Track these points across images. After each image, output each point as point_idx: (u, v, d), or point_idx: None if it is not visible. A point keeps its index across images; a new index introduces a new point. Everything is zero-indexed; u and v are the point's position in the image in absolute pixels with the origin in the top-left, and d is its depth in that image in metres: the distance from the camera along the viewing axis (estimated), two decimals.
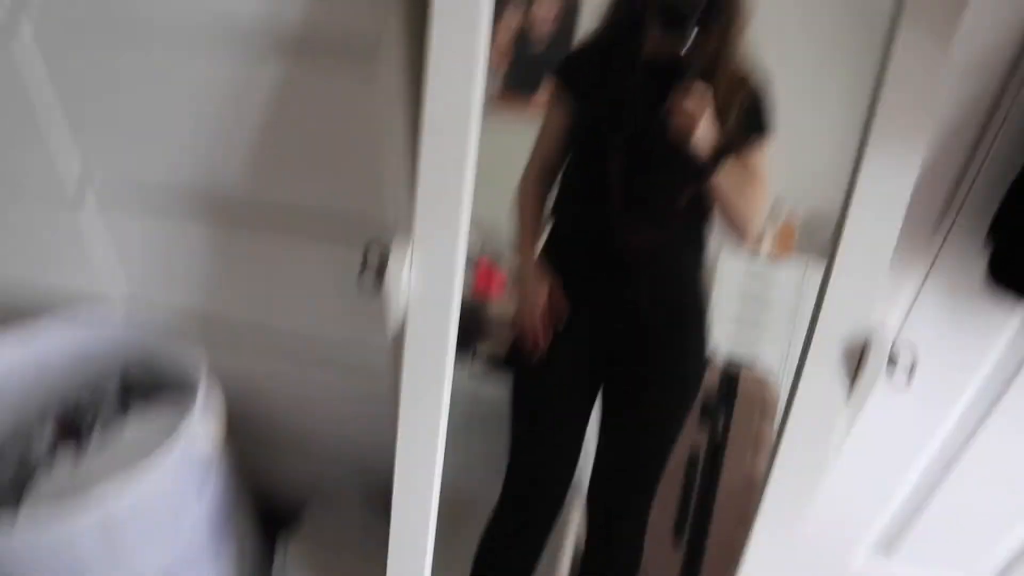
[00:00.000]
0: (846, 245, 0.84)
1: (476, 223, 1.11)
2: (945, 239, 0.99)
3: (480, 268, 1.12)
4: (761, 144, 0.92)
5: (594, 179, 0.98)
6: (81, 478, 1.13)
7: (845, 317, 0.85)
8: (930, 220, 0.97)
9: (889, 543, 1.37)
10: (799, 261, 0.98)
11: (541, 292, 1.03)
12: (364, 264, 0.91)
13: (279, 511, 1.45)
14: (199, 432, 1.08)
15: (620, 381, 1.06)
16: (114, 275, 1.28)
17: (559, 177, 1.01)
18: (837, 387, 0.87)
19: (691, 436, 1.17)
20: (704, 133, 0.89)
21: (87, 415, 1.25)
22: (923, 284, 1.02)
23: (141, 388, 1.27)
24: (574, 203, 1.02)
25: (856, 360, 0.85)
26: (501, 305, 1.16)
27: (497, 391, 1.15)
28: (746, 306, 1.04)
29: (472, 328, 1.18)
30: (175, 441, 1.05)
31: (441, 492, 1.03)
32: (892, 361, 0.85)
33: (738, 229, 0.95)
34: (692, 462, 1.20)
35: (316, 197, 1.10)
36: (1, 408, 1.24)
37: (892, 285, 1.02)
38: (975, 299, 1.02)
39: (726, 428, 1.17)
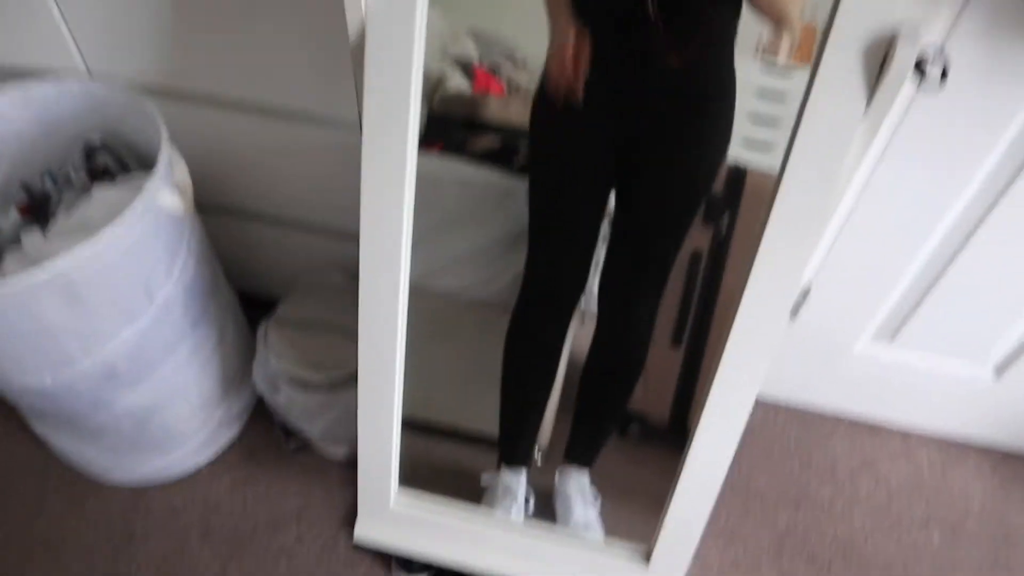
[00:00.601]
0: None
1: (476, 34, 1.06)
2: None
3: (478, 76, 1.12)
4: None
5: None
6: (46, 253, 1.07)
7: (871, 6, 0.75)
8: None
9: (893, 329, 1.33)
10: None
11: (572, 34, 0.96)
12: None
13: (262, 305, 1.41)
14: (162, 197, 1.01)
15: (637, 169, 1.02)
16: (69, 50, 1.19)
17: None
18: (857, 89, 0.78)
19: (695, 236, 1.14)
20: None
21: (50, 195, 1.19)
22: (964, 8, 0.90)
23: (105, 168, 1.20)
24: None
25: (879, 61, 0.76)
26: (501, 106, 1.14)
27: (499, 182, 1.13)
28: (758, 111, 0.99)
29: (474, 124, 1.15)
30: (136, 205, 0.98)
31: (443, 291, 1.00)
32: (920, 67, 0.76)
33: (776, 14, 0.89)
34: (695, 262, 1.17)
35: None
36: None
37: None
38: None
39: (730, 227, 1.14)
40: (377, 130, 0.88)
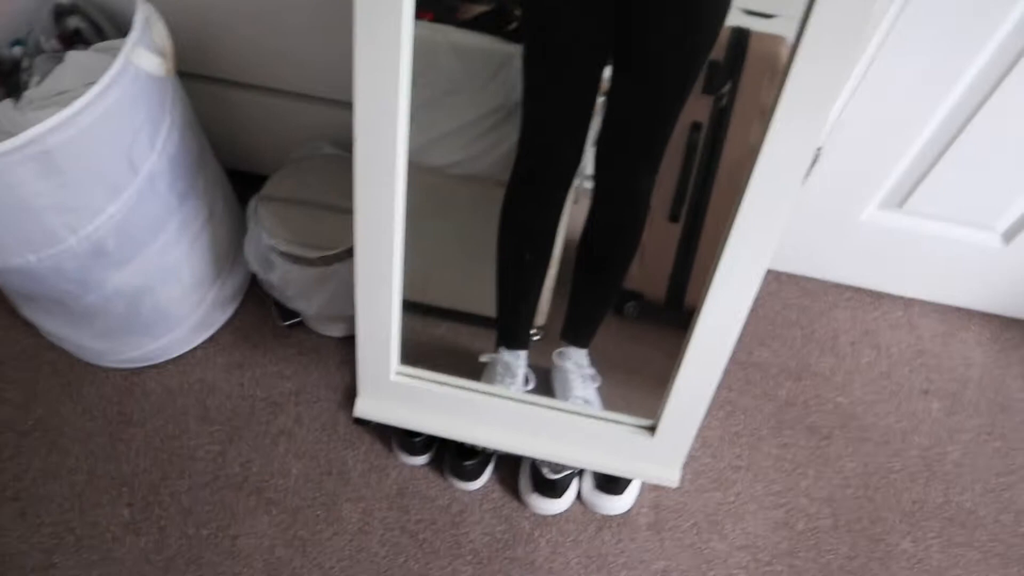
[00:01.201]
0: None
1: None
2: None
3: None
4: None
5: None
6: (20, 124, 1.02)
7: None
8: None
9: (902, 196, 1.31)
10: None
11: None
12: None
13: (251, 181, 1.36)
14: (140, 58, 0.95)
15: (634, 30, 0.95)
16: None
17: None
18: None
19: (694, 108, 1.10)
20: None
21: (20, 62, 1.12)
22: None
23: (77, 32, 1.13)
24: None
25: None
26: None
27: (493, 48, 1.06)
28: None
29: None
30: (113, 67, 0.92)
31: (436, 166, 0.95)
32: None
33: None
34: (693, 135, 1.13)
35: None
36: None
37: None
38: None
39: (732, 96, 1.10)
40: None
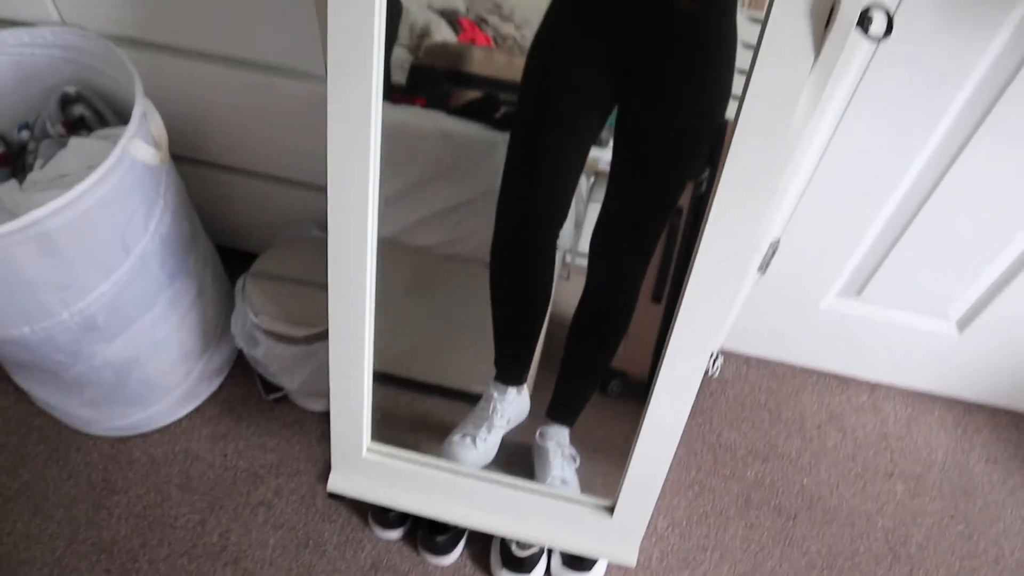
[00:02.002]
0: None
1: None
2: None
3: (464, 26, 1.08)
4: None
5: None
6: (23, 205, 1.08)
7: None
8: None
9: (859, 285, 1.36)
10: None
11: None
12: None
13: (242, 259, 1.41)
14: (137, 148, 1.02)
15: (635, 119, 1.00)
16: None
17: None
18: (804, 41, 0.78)
19: None
20: None
21: (27, 145, 1.19)
22: None
23: (81, 119, 1.20)
24: None
25: (826, 14, 0.77)
26: (486, 56, 1.10)
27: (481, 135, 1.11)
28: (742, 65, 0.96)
29: (459, 76, 1.14)
30: (111, 157, 0.99)
31: (424, 246, 1.01)
32: (864, 22, 0.77)
33: None
34: (676, 215, 1.18)
35: None
36: None
37: None
38: None
39: (711, 182, 1.14)
40: (340, 79, 0.89)
